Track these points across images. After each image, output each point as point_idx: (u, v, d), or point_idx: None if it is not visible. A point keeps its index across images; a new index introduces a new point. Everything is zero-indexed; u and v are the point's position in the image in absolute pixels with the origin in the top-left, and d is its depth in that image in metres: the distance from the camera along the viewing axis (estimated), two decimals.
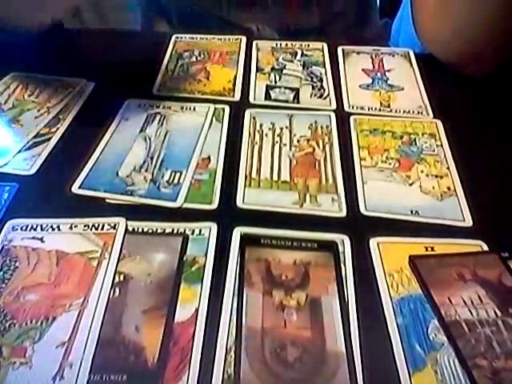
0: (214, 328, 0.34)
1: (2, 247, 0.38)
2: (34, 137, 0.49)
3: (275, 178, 0.45)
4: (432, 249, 0.39)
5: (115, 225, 0.39)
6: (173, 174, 0.45)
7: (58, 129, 0.50)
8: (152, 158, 0.46)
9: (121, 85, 0.55)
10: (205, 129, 0.50)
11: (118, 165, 0.46)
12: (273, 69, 0.59)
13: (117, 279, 0.36)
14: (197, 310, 0.34)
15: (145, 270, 0.37)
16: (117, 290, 0.36)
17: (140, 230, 0.40)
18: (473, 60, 0.55)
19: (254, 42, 0.63)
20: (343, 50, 0.62)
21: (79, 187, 0.43)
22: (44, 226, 0.40)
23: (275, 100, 0.55)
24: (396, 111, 0.53)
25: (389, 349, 0.33)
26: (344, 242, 0.39)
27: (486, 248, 0.39)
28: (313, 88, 0.56)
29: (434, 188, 0.44)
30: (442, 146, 0.49)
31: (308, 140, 0.49)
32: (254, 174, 0.45)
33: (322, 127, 0.50)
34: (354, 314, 0.35)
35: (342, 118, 0.52)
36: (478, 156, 0.48)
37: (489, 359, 0.32)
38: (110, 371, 0.31)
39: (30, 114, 0.51)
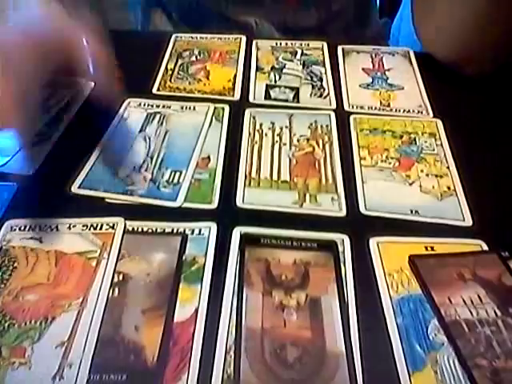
0: (213, 328, 0.34)
1: (1, 247, 0.38)
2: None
3: (275, 177, 0.45)
4: (432, 248, 0.39)
5: (114, 224, 0.39)
6: (172, 173, 0.45)
7: (57, 128, 0.50)
8: (152, 158, 0.46)
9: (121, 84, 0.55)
10: (204, 128, 0.50)
11: (117, 164, 0.45)
12: (273, 68, 0.59)
13: (116, 279, 0.36)
14: (196, 310, 0.34)
15: (144, 270, 0.37)
16: (116, 289, 0.36)
17: (140, 229, 0.40)
18: (472, 61, 0.55)
19: (254, 42, 0.63)
20: (343, 50, 0.62)
21: (79, 187, 0.43)
22: (43, 226, 0.40)
23: (275, 99, 0.55)
24: (396, 110, 0.53)
25: (388, 349, 0.33)
26: (344, 242, 0.39)
27: (485, 248, 0.39)
28: (313, 87, 0.56)
29: (433, 187, 0.44)
30: (441, 145, 0.48)
31: (308, 139, 0.49)
32: (253, 174, 0.45)
33: (321, 127, 0.50)
34: (353, 314, 0.34)
35: (342, 117, 0.52)
36: (478, 155, 0.48)
37: (489, 359, 0.32)
38: (109, 371, 0.31)
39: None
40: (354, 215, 0.42)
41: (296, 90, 0.56)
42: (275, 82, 0.57)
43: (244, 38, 0.64)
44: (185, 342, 0.33)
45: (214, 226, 0.40)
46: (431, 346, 0.33)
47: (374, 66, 0.60)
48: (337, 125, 0.51)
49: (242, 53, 0.61)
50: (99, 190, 0.43)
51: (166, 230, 0.40)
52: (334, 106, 0.54)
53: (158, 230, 0.40)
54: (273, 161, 0.47)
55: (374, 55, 0.62)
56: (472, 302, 0.35)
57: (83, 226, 0.40)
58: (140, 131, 0.49)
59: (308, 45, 0.63)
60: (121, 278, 0.36)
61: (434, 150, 0.48)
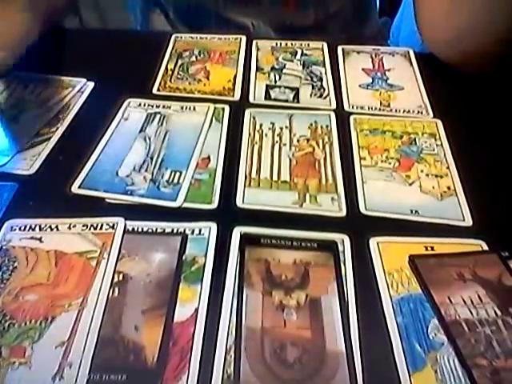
0: (213, 328, 0.34)
1: (1, 247, 0.38)
2: (34, 136, 0.49)
3: (275, 177, 0.45)
4: (432, 248, 0.39)
5: (114, 224, 0.39)
6: (172, 173, 0.45)
7: (57, 128, 0.50)
8: (152, 158, 0.46)
9: (121, 84, 0.55)
10: (204, 128, 0.50)
11: (117, 164, 0.46)
12: (272, 68, 0.59)
13: (116, 279, 0.36)
14: (196, 310, 0.34)
15: (144, 270, 0.37)
16: (116, 289, 0.36)
17: (139, 229, 0.40)
18: (475, 59, 0.55)
19: (254, 42, 0.63)
20: (343, 50, 0.62)
21: (79, 187, 0.43)
22: (42, 225, 0.40)
23: (275, 100, 0.55)
24: (396, 111, 0.53)
25: (388, 348, 0.33)
26: (344, 242, 0.39)
27: (485, 248, 0.39)
28: (313, 87, 0.56)
29: (433, 188, 0.44)
30: (441, 145, 0.48)
31: (308, 140, 0.49)
32: (253, 174, 0.45)
33: (321, 127, 0.50)
34: (353, 313, 0.34)
35: (342, 117, 0.52)
36: (477, 155, 0.48)
37: (489, 359, 0.32)
38: (109, 371, 0.31)
39: (29, 113, 0.51)
40: (353, 215, 0.42)
41: (296, 91, 0.56)
42: (275, 82, 0.57)
43: (244, 38, 0.64)
44: (185, 341, 0.33)
45: (213, 226, 0.40)
46: (431, 345, 0.33)
47: (374, 66, 0.60)
48: (337, 125, 0.51)
49: (242, 53, 0.61)
50: (99, 190, 0.43)
51: (166, 230, 0.40)
52: (334, 106, 0.54)
53: (158, 230, 0.40)
54: (273, 161, 0.47)
55: (374, 55, 0.62)
56: (472, 301, 0.35)
57: (83, 225, 0.40)
58: (140, 131, 0.49)
59: (308, 45, 0.63)
60: (121, 277, 0.36)
61: (433, 150, 0.48)
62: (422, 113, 0.53)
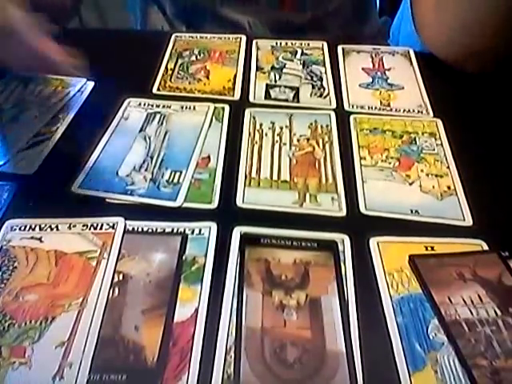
0: (213, 328, 0.34)
1: (1, 247, 0.38)
2: (34, 136, 0.48)
3: (275, 177, 0.45)
4: (432, 248, 0.39)
5: (114, 224, 0.39)
6: (173, 173, 0.45)
7: (57, 128, 0.50)
8: (152, 158, 0.46)
9: (120, 84, 0.55)
10: (205, 128, 0.50)
11: (117, 164, 0.46)
12: (273, 68, 0.59)
13: (116, 279, 0.36)
14: (196, 310, 0.34)
15: (144, 270, 0.37)
16: (116, 289, 0.36)
17: (139, 229, 0.40)
18: (473, 58, 0.55)
19: (254, 41, 0.63)
20: (343, 49, 0.62)
21: (79, 187, 0.43)
22: (42, 225, 0.40)
23: (275, 99, 0.55)
24: (396, 110, 0.53)
25: (389, 348, 0.33)
26: (344, 242, 0.39)
27: (486, 247, 0.39)
28: (313, 87, 0.56)
29: (433, 187, 0.44)
30: (442, 145, 0.48)
31: (308, 139, 0.49)
32: (253, 174, 0.45)
33: (321, 126, 0.50)
34: (353, 313, 0.34)
35: (342, 117, 0.52)
36: (478, 155, 0.47)
37: (489, 359, 0.32)
38: (109, 371, 0.31)
39: (29, 113, 0.51)
40: (354, 215, 0.42)
41: (296, 90, 0.56)
42: (275, 81, 0.57)
43: (244, 38, 0.64)
44: (185, 342, 0.33)
45: (214, 226, 0.40)
46: (431, 345, 0.33)
47: (374, 65, 0.60)
48: (337, 124, 0.51)
49: (242, 52, 0.61)
50: (99, 189, 0.43)
51: (166, 230, 0.40)
52: (334, 105, 0.54)
53: (158, 230, 0.40)
54: (273, 161, 0.47)
55: (374, 55, 0.62)
56: (472, 301, 0.35)
57: (83, 225, 0.40)
58: (140, 131, 0.49)
59: (308, 44, 0.63)
60: (121, 277, 0.36)
61: (434, 149, 0.48)
62: (422, 112, 0.53)
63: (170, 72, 0.58)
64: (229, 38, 0.64)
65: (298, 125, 0.51)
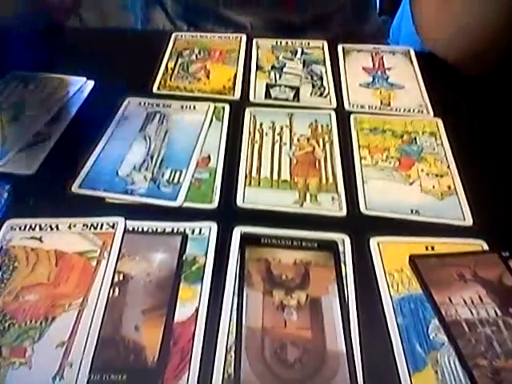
0: (214, 328, 0.34)
1: (1, 247, 0.38)
2: (34, 136, 0.48)
3: (275, 177, 0.45)
4: (432, 248, 0.39)
5: (114, 224, 0.39)
6: (173, 172, 0.45)
7: (57, 128, 0.50)
8: (152, 157, 0.46)
9: (120, 83, 0.55)
10: (205, 127, 0.50)
11: (117, 164, 0.45)
12: (273, 67, 0.59)
13: (116, 279, 0.36)
14: (197, 310, 0.34)
15: (144, 270, 0.37)
16: (116, 289, 0.36)
17: (140, 229, 0.40)
18: (473, 58, 0.55)
19: (254, 41, 0.63)
20: (343, 48, 0.62)
21: (79, 186, 0.43)
22: (43, 225, 0.40)
23: (275, 98, 0.54)
24: (396, 110, 0.53)
25: (389, 348, 0.33)
26: (344, 242, 0.39)
27: (486, 247, 0.39)
28: (313, 86, 0.56)
29: (434, 187, 0.44)
30: (442, 144, 0.48)
31: (308, 139, 0.49)
32: (254, 173, 0.45)
33: (322, 126, 0.50)
34: (354, 313, 0.34)
35: (343, 116, 0.52)
36: (478, 155, 0.47)
37: (489, 359, 0.32)
38: (109, 371, 0.31)
39: (29, 113, 0.51)
40: (354, 215, 0.42)
41: (296, 89, 0.56)
42: (275, 81, 0.57)
43: (244, 37, 0.64)
44: (185, 341, 0.33)
45: (214, 226, 0.40)
46: (431, 345, 0.33)
47: (374, 64, 0.60)
48: (337, 124, 0.51)
49: (243, 52, 0.61)
50: (99, 189, 0.43)
51: (166, 230, 0.40)
52: (334, 105, 0.53)
53: (158, 230, 0.40)
54: (273, 160, 0.47)
55: (374, 54, 0.62)
56: (472, 301, 0.35)
57: (83, 225, 0.40)
58: (140, 130, 0.49)
59: (308, 44, 0.63)
60: (121, 277, 0.36)
61: (434, 149, 0.48)
62: (422, 112, 0.53)
63: (170, 71, 0.58)
64: (229, 38, 0.64)
65: (298, 124, 0.51)
